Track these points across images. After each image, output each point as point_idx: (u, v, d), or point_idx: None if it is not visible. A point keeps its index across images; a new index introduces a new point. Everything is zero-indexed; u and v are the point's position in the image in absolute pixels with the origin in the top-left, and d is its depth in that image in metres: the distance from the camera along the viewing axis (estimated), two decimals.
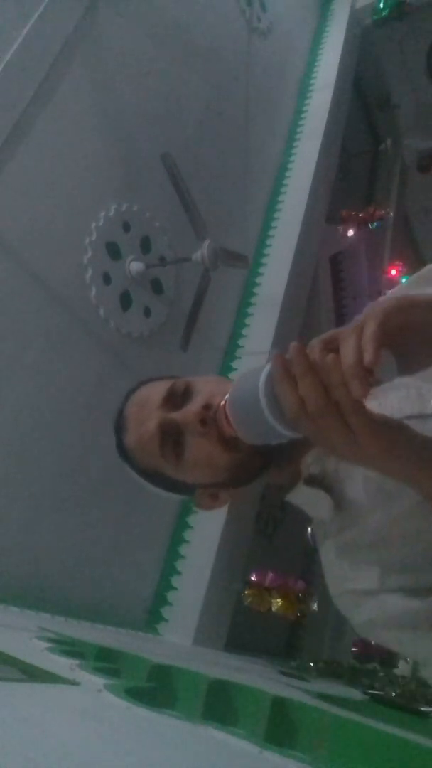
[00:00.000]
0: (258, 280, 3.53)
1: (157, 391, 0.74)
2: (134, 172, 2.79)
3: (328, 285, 5.12)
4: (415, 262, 6.80)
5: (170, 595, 2.66)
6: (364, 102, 5.59)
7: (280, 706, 0.88)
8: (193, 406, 0.69)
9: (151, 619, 2.63)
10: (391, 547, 0.62)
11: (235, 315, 3.45)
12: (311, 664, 2.89)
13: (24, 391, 2.22)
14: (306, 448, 0.72)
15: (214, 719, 0.83)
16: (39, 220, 2.31)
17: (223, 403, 0.61)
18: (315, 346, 0.53)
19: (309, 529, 0.75)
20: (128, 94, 2.80)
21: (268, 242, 3.66)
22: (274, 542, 3.77)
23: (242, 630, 2.97)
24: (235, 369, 3.24)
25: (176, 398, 0.72)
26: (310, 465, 0.72)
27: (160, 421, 0.70)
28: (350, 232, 4.82)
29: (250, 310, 3.44)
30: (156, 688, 0.93)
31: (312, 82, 4.34)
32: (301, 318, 3.79)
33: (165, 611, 2.64)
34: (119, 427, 0.76)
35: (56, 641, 1.23)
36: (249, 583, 2.73)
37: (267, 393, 0.55)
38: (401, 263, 6.24)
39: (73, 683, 0.82)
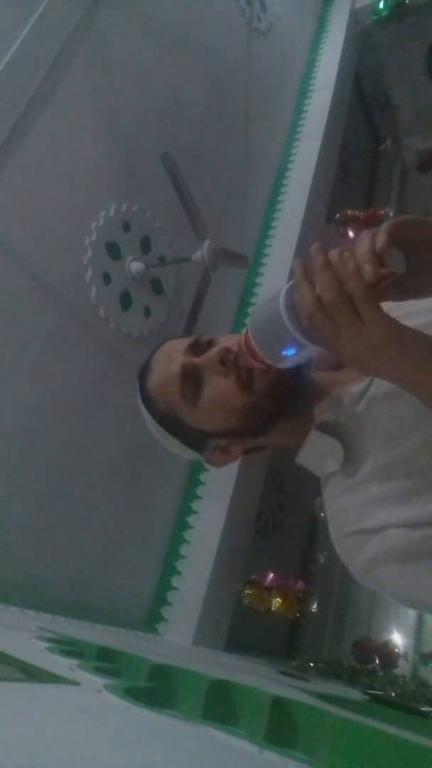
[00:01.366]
0: (258, 280, 3.53)
1: (184, 340, 0.79)
2: (134, 172, 2.79)
3: None
4: None
5: (170, 595, 2.67)
6: (364, 102, 5.59)
7: (280, 706, 0.89)
8: (215, 348, 0.73)
9: (151, 619, 2.63)
10: (396, 482, 0.64)
11: (235, 315, 3.45)
12: (311, 664, 2.89)
13: (24, 391, 2.22)
14: (320, 396, 0.74)
15: (214, 719, 0.83)
16: (39, 220, 2.31)
17: (245, 332, 0.64)
18: (333, 251, 0.57)
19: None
20: (128, 94, 2.80)
21: (268, 242, 3.66)
22: (274, 542, 3.77)
23: (242, 630, 2.97)
24: None
25: (201, 347, 0.76)
26: (323, 412, 0.73)
27: (183, 363, 0.74)
28: (350, 233, 4.81)
29: (250, 310, 3.45)
30: (156, 688, 0.93)
31: (312, 82, 4.35)
32: None
33: (165, 611, 2.64)
34: (144, 372, 0.82)
35: (56, 641, 1.23)
36: (249, 583, 2.73)
37: (287, 304, 0.58)
38: None
39: (73, 683, 0.82)
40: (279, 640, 3.84)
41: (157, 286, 2.90)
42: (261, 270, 3.56)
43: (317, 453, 0.72)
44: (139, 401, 0.82)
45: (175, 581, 2.69)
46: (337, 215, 4.70)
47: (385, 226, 0.55)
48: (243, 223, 3.56)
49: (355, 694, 2.36)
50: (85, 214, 2.54)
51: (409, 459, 0.64)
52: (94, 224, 2.55)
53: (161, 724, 0.72)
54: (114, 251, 2.66)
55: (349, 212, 4.81)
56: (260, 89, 3.85)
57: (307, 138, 4.01)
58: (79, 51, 2.52)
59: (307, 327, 0.57)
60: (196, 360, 0.74)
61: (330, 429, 0.72)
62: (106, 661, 1.12)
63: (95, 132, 2.60)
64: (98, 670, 0.94)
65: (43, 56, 2.34)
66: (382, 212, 4.98)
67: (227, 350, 0.72)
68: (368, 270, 0.53)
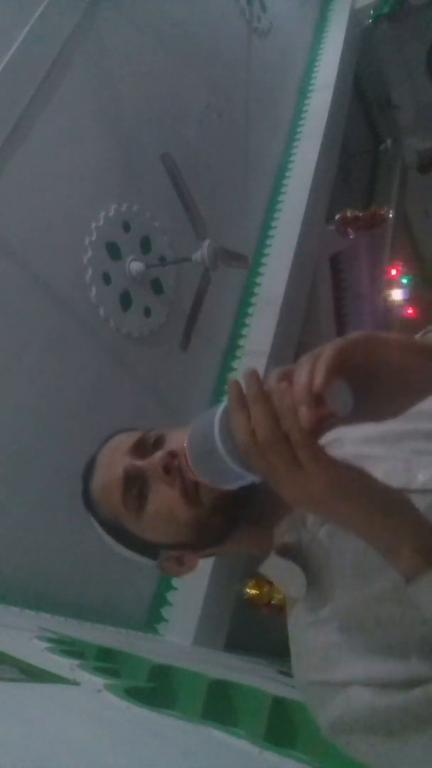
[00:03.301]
0: (258, 280, 3.53)
1: (130, 438, 0.71)
2: (134, 172, 2.79)
3: (328, 285, 5.12)
4: (414, 262, 6.81)
5: (170, 595, 2.66)
6: (364, 102, 5.60)
7: (280, 706, 0.89)
8: (159, 453, 0.66)
9: (151, 619, 2.63)
10: (363, 631, 0.56)
11: (235, 315, 3.45)
12: None
13: (24, 391, 2.22)
14: (278, 514, 0.66)
15: (214, 719, 0.83)
16: (39, 220, 2.31)
17: (183, 443, 0.57)
18: (272, 374, 0.50)
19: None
20: (128, 94, 2.80)
21: (268, 242, 3.67)
22: None
23: (242, 630, 2.97)
24: (235, 369, 3.24)
25: (146, 446, 0.69)
26: (284, 533, 0.66)
27: (125, 468, 0.67)
28: (350, 233, 4.81)
29: (250, 310, 3.45)
30: (156, 688, 0.93)
31: (312, 82, 4.35)
32: (301, 318, 3.79)
33: (165, 611, 2.64)
34: (87, 473, 0.73)
35: (56, 641, 1.23)
36: (250, 576, 2.72)
37: (222, 427, 0.52)
38: (401, 263, 6.25)
39: (73, 683, 0.82)
40: (279, 640, 3.83)
41: (157, 286, 2.90)
42: (261, 270, 3.56)
43: (278, 576, 0.65)
44: (83, 503, 0.74)
45: (175, 581, 2.69)
46: (337, 215, 4.70)
47: (327, 355, 0.47)
48: (243, 223, 3.56)
49: None
50: (85, 214, 2.54)
51: (377, 605, 0.56)
52: (94, 224, 2.55)
53: (161, 724, 0.72)
54: (114, 251, 2.66)
55: (349, 212, 4.82)
56: (260, 89, 3.85)
57: (307, 138, 4.01)
58: (79, 51, 2.52)
59: (243, 455, 0.51)
60: (139, 464, 0.67)
61: (292, 553, 0.64)
62: (106, 661, 1.12)
63: (95, 132, 2.60)
64: (98, 670, 0.94)
65: (43, 56, 2.34)
66: (382, 212, 4.99)
67: (172, 455, 0.64)
68: (304, 414, 0.46)
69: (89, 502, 0.72)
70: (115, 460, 0.69)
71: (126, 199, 2.72)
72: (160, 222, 2.90)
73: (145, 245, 2.84)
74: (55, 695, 0.75)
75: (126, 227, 2.72)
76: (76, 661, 0.98)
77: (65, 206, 2.43)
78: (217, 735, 0.72)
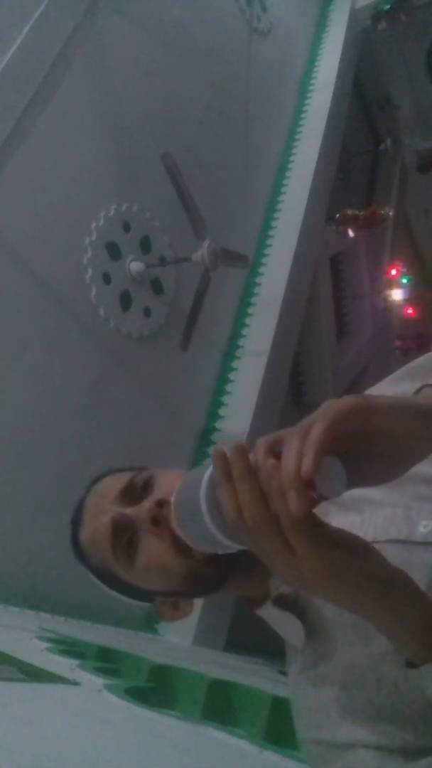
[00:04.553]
0: (258, 280, 3.53)
1: (117, 482, 0.68)
2: (134, 172, 2.79)
3: (328, 285, 5.12)
4: (414, 262, 6.81)
5: None
6: (364, 102, 5.60)
7: (280, 706, 0.89)
8: (148, 502, 0.63)
9: (151, 619, 2.63)
10: (365, 691, 0.54)
11: (235, 315, 3.45)
12: None
13: (24, 391, 2.22)
14: None
15: (214, 719, 0.83)
16: (39, 220, 2.31)
17: (172, 499, 0.55)
18: (260, 445, 0.46)
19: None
20: (128, 94, 2.80)
21: (268, 242, 3.66)
22: None
23: (242, 630, 2.97)
24: (235, 369, 3.24)
25: (135, 491, 0.66)
26: (281, 584, 0.63)
27: (113, 516, 0.64)
28: (350, 232, 4.82)
29: (250, 310, 3.44)
30: (156, 688, 0.93)
31: (312, 82, 4.35)
32: (301, 318, 3.79)
33: None
34: (76, 519, 0.70)
35: (56, 641, 1.23)
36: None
37: (209, 496, 0.49)
38: (401, 263, 6.25)
39: (73, 683, 0.82)
40: (279, 640, 3.83)
41: (157, 286, 2.90)
42: (261, 270, 3.56)
43: (276, 624, 0.63)
44: (72, 551, 0.72)
45: None
46: (337, 215, 4.70)
47: (317, 432, 0.43)
48: (243, 223, 3.56)
49: None
50: (85, 214, 2.54)
51: (378, 665, 0.53)
52: (94, 224, 2.55)
53: (161, 724, 0.72)
54: (114, 251, 2.66)
55: (349, 212, 4.81)
56: (260, 89, 3.85)
57: (307, 138, 4.01)
58: (79, 51, 2.52)
59: (232, 530, 0.47)
60: (127, 512, 0.64)
61: (290, 603, 0.62)
62: (106, 661, 1.12)
63: (95, 132, 2.60)
64: (98, 670, 0.94)
65: (43, 56, 2.34)
66: (382, 212, 4.99)
67: (160, 504, 0.61)
68: (294, 500, 0.42)
69: (79, 551, 0.70)
70: (102, 508, 0.66)
71: (126, 199, 2.72)
72: (160, 222, 2.90)
73: (145, 245, 2.84)
74: (55, 695, 0.75)
75: (126, 227, 2.72)
76: (76, 661, 0.98)
77: (65, 206, 2.43)
78: (216, 735, 0.72)
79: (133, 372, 2.71)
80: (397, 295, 6.24)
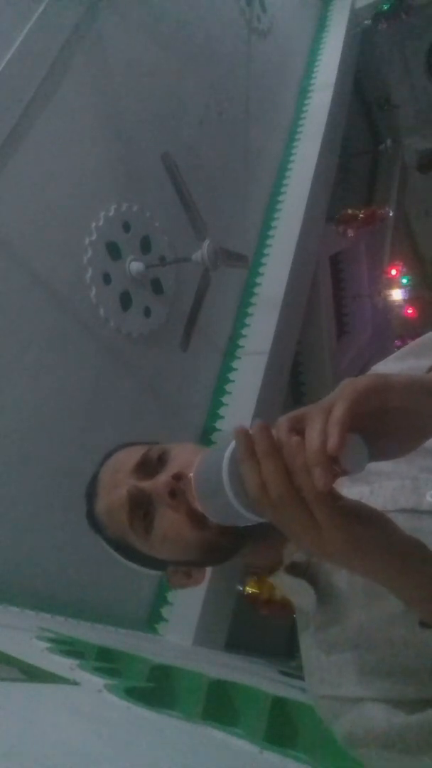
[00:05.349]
0: (258, 280, 3.53)
1: (131, 456, 0.70)
2: (134, 172, 2.79)
3: (328, 285, 5.12)
4: (414, 262, 6.81)
5: (170, 595, 2.66)
6: (364, 102, 5.60)
7: (280, 706, 0.89)
8: (164, 476, 0.64)
9: (151, 619, 2.63)
10: (375, 650, 0.57)
11: (235, 315, 3.45)
12: None
13: (24, 391, 2.22)
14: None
15: (214, 719, 0.83)
16: (39, 220, 2.31)
17: (191, 475, 0.57)
18: (282, 423, 0.48)
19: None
20: (128, 93, 2.80)
21: (268, 242, 3.66)
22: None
23: (242, 630, 2.98)
24: (236, 369, 3.24)
25: (150, 465, 0.68)
26: (294, 552, 0.65)
27: (129, 489, 0.66)
28: (350, 232, 4.82)
29: (250, 310, 3.44)
30: (156, 688, 0.93)
31: (312, 82, 4.35)
32: (301, 318, 3.79)
33: (165, 611, 2.64)
34: (91, 493, 0.72)
35: (56, 641, 1.23)
36: (251, 573, 2.73)
37: (231, 472, 0.51)
38: (401, 263, 6.25)
39: (73, 683, 0.82)
40: (279, 640, 3.84)
41: (157, 286, 2.90)
42: (261, 270, 3.56)
43: (288, 590, 0.66)
44: (88, 523, 0.73)
45: None
46: (337, 215, 4.70)
47: (340, 411, 0.45)
48: (243, 223, 3.56)
49: None
50: (85, 214, 2.54)
51: (388, 627, 0.56)
52: (94, 224, 2.55)
53: (161, 724, 0.72)
54: (114, 251, 2.66)
55: (349, 212, 4.81)
56: (260, 89, 3.85)
57: (307, 138, 4.01)
58: (79, 50, 2.52)
59: (254, 504, 0.49)
60: (143, 485, 0.66)
61: (301, 571, 0.65)
62: (106, 661, 1.12)
63: (95, 132, 2.60)
64: (98, 670, 0.94)
65: (43, 56, 2.34)
66: (382, 212, 4.99)
67: (177, 477, 0.63)
68: (319, 475, 0.44)
69: (95, 524, 0.72)
70: (118, 481, 0.68)
71: (126, 199, 2.72)
72: (160, 222, 2.90)
73: (145, 245, 2.84)
74: (55, 695, 0.75)
75: (126, 227, 2.72)
76: (76, 661, 0.98)
77: (65, 206, 2.43)
78: (217, 735, 0.72)
79: (133, 372, 2.71)
80: (397, 295, 6.24)
